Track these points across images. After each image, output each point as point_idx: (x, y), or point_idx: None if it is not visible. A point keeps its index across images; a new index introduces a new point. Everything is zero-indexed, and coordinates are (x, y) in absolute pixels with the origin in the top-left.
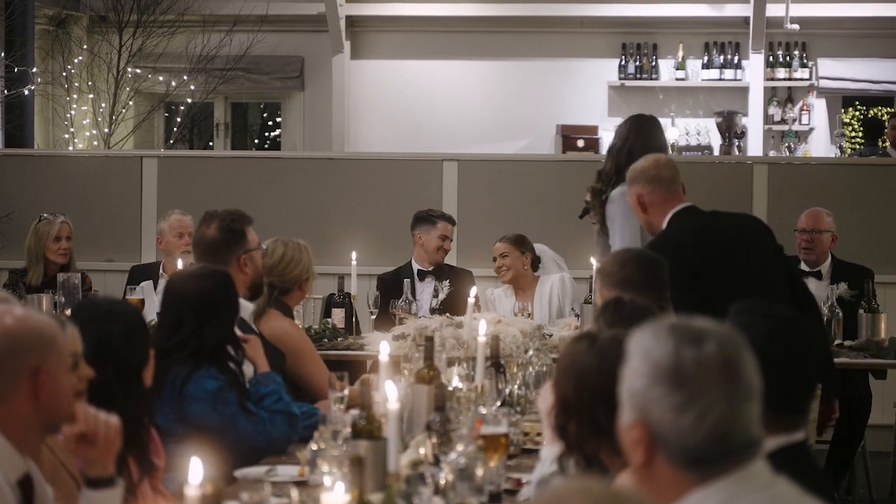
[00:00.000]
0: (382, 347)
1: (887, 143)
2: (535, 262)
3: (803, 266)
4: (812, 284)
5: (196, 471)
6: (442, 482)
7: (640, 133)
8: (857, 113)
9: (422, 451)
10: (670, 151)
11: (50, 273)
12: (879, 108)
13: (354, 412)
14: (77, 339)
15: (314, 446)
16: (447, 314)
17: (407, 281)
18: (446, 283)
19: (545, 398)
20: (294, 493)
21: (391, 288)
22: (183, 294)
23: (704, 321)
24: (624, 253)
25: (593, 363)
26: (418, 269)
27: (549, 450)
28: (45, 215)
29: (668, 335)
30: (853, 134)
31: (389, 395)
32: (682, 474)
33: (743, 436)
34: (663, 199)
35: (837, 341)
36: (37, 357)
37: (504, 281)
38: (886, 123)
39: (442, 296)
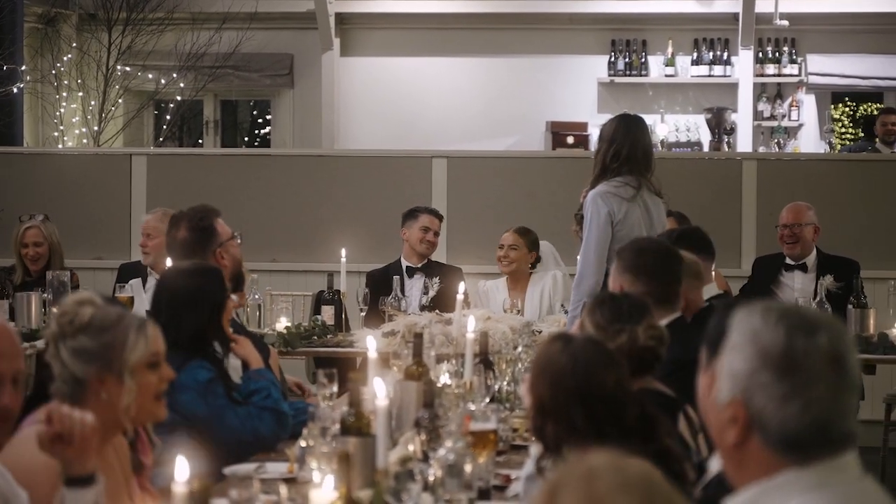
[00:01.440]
0: (370, 344)
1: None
2: (536, 262)
3: (788, 260)
4: (798, 277)
5: (183, 468)
6: (431, 478)
7: (628, 133)
8: (847, 109)
9: (411, 447)
10: (660, 148)
11: (31, 273)
12: (869, 103)
13: (344, 408)
14: (160, 338)
15: (303, 443)
16: (437, 311)
17: (396, 278)
18: (436, 280)
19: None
20: (283, 489)
21: (380, 285)
22: (160, 288)
23: (814, 311)
24: (644, 241)
25: (567, 364)
26: (407, 266)
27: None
28: (22, 217)
29: (779, 321)
30: (843, 130)
31: (378, 391)
32: (777, 456)
33: (842, 427)
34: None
35: None
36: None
37: (505, 272)
38: (877, 120)
39: (432, 293)
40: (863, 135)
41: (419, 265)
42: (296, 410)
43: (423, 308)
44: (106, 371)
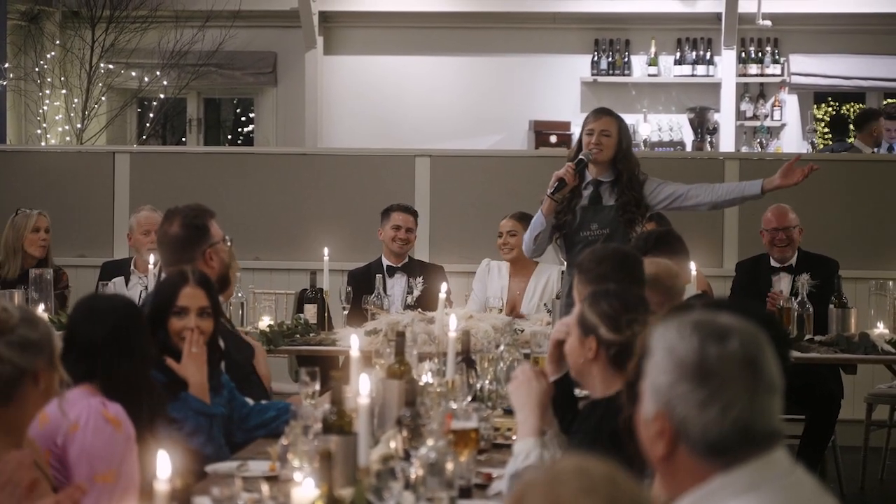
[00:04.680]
0: (353, 342)
1: (852, 139)
2: None
3: (773, 262)
4: (784, 280)
5: (165, 465)
6: (412, 477)
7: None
8: (829, 109)
9: (392, 445)
10: (643, 147)
11: (27, 266)
12: (851, 103)
13: (326, 406)
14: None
15: (285, 441)
16: (419, 310)
17: (379, 276)
18: (420, 279)
19: (518, 390)
20: (265, 488)
21: (361, 284)
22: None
23: (727, 317)
24: (601, 250)
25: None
26: (387, 265)
27: (522, 444)
28: (22, 209)
29: (693, 332)
30: (825, 130)
31: (361, 389)
32: (703, 462)
33: (765, 427)
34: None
35: (808, 336)
36: None
37: (507, 259)
38: (876, 119)
39: (416, 292)
40: (830, 135)
41: (399, 264)
42: (278, 410)
43: (406, 308)
44: (47, 360)
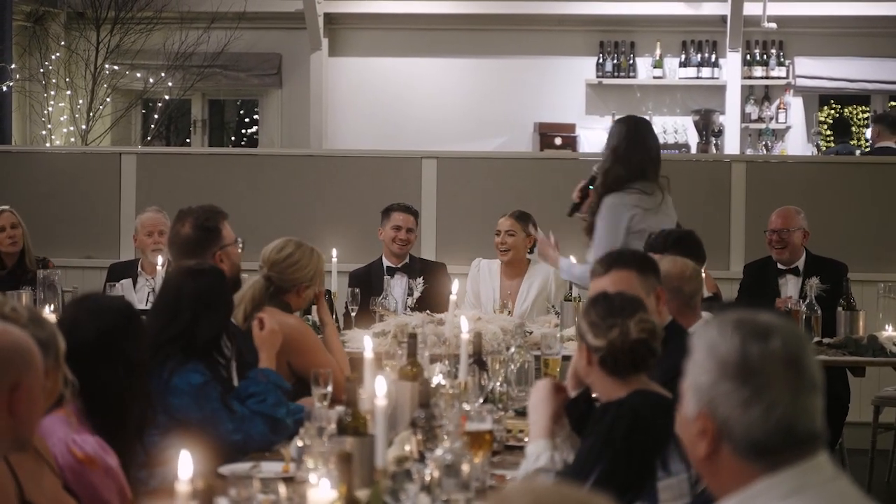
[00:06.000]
0: (367, 344)
1: (854, 141)
2: (533, 246)
3: (779, 265)
4: (791, 282)
5: (186, 466)
6: (428, 479)
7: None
8: (833, 111)
9: (407, 447)
10: None
11: (7, 264)
12: (855, 106)
13: (339, 408)
14: None
15: (300, 442)
16: (427, 311)
17: (387, 278)
18: (420, 280)
19: (539, 394)
20: (282, 489)
21: (362, 285)
22: (182, 288)
23: (768, 315)
24: (616, 253)
25: None
26: (387, 266)
27: (535, 446)
28: None
29: (734, 331)
30: (829, 132)
31: (377, 391)
32: (747, 464)
33: (807, 427)
34: (677, 312)
35: (816, 339)
36: (15, 373)
37: (504, 260)
38: (871, 122)
39: (417, 293)
40: (835, 138)
41: (399, 265)
42: (289, 409)
43: (406, 309)
44: (54, 360)
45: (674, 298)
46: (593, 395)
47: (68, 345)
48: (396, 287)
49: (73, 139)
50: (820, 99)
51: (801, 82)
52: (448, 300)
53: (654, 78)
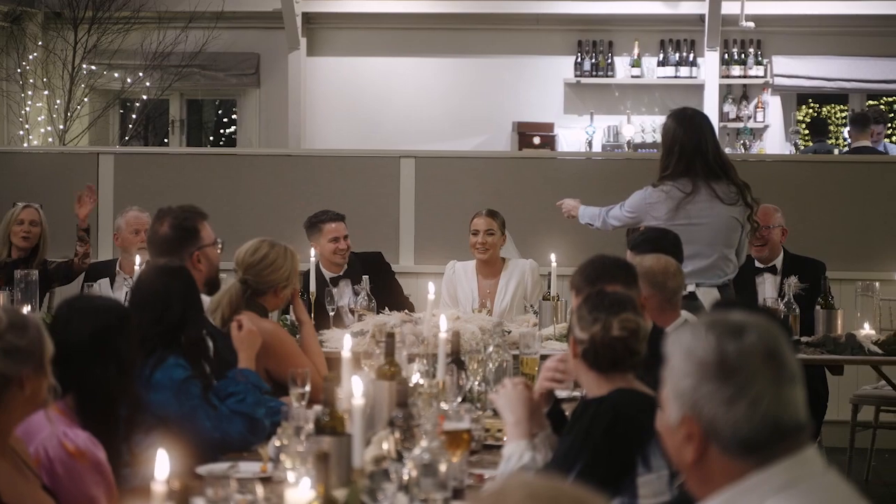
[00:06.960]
0: (345, 343)
1: (832, 140)
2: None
3: (757, 263)
4: (769, 281)
5: (163, 466)
6: (406, 478)
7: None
8: (811, 111)
9: (385, 446)
10: (626, 149)
11: (15, 256)
12: (833, 105)
13: (317, 408)
14: None
15: (277, 442)
16: (406, 311)
17: (329, 289)
18: (364, 279)
19: (506, 395)
20: (259, 489)
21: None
22: (168, 285)
23: (738, 314)
24: (598, 259)
25: None
26: (330, 277)
27: (514, 447)
28: (18, 202)
29: (708, 332)
30: (806, 132)
31: (355, 390)
32: (737, 463)
33: (793, 419)
34: (658, 308)
35: (794, 337)
36: None
37: (483, 259)
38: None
39: (363, 294)
40: (812, 137)
41: (340, 273)
42: (268, 409)
43: (354, 313)
44: (34, 367)
45: (657, 294)
46: (558, 397)
47: (62, 343)
48: (344, 296)
49: (50, 139)
50: (798, 98)
51: (778, 81)
52: (396, 286)
53: (633, 77)
